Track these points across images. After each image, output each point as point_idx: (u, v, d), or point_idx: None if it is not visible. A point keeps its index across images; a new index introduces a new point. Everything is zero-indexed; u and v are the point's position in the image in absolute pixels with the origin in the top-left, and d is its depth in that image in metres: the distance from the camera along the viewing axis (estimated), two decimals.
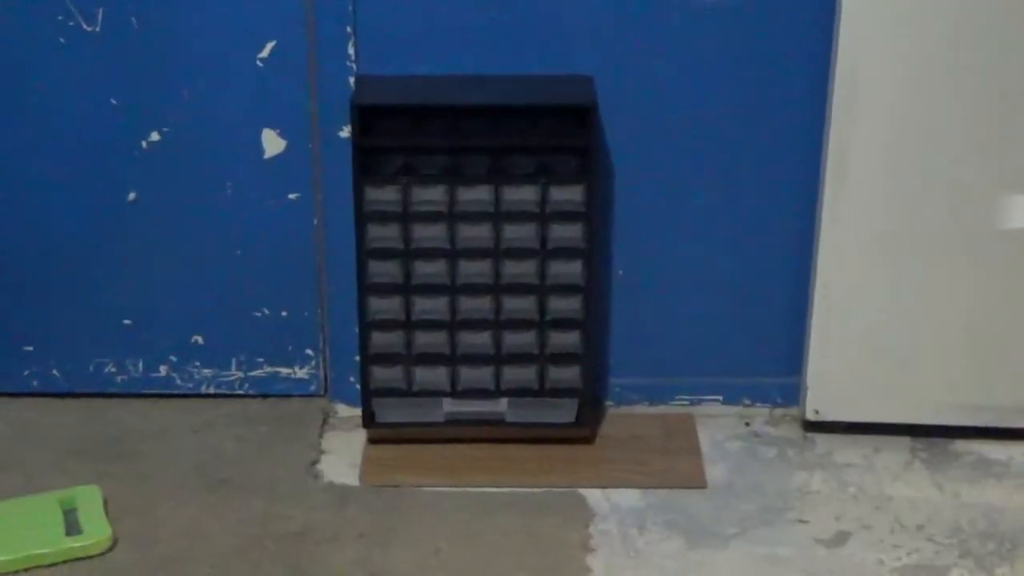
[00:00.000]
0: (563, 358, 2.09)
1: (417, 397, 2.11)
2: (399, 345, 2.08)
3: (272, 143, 2.11)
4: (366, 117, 1.99)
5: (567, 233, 2.03)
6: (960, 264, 2.07)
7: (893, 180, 2.04)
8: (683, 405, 2.23)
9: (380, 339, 2.08)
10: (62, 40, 2.05)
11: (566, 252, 2.04)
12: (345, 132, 2.06)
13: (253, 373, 2.23)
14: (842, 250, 2.08)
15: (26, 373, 2.23)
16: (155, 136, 2.10)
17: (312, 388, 2.24)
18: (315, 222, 2.15)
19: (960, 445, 2.15)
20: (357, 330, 2.09)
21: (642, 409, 2.23)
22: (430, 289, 2.06)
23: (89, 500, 1.97)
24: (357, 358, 2.12)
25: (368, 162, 2.01)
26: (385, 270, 2.05)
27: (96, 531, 1.92)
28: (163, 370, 2.23)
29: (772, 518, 2.00)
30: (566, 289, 2.06)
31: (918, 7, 1.96)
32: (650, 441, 2.16)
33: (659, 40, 2.04)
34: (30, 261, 2.17)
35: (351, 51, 2.04)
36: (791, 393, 2.21)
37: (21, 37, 2.05)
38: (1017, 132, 2.01)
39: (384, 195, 2.02)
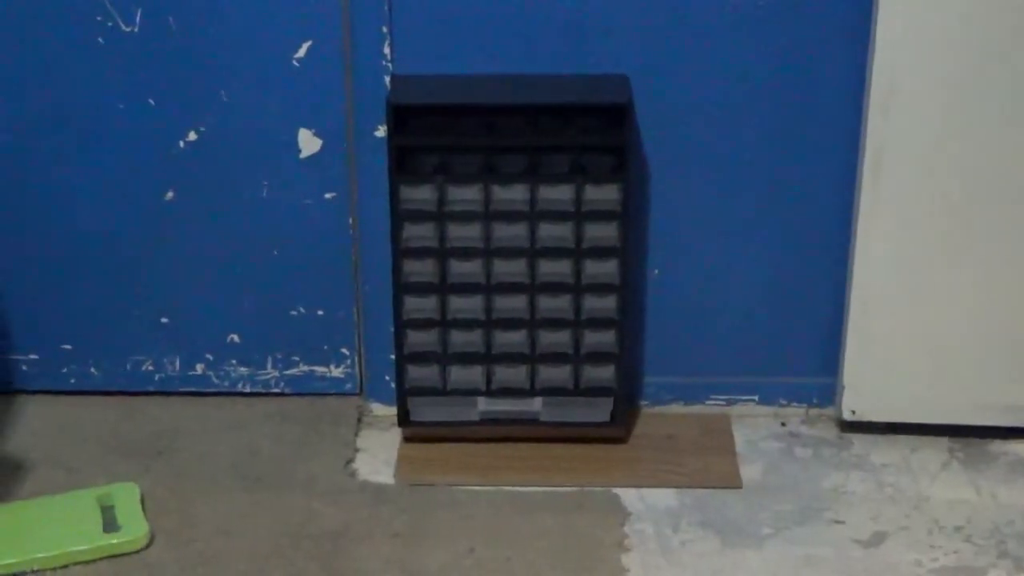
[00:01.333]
0: (598, 357, 2.09)
1: (452, 396, 2.11)
2: (434, 344, 2.09)
3: (308, 142, 2.12)
4: (402, 116, 2.00)
5: (602, 232, 2.03)
6: (997, 263, 2.06)
7: (929, 180, 2.03)
8: (718, 405, 2.23)
9: (415, 338, 2.09)
10: (100, 40, 2.06)
11: (601, 251, 2.04)
12: (381, 131, 2.07)
13: (289, 372, 2.24)
14: (879, 249, 2.07)
15: (64, 371, 2.24)
16: (192, 136, 2.11)
17: (347, 387, 2.25)
18: (351, 221, 2.16)
19: (997, 446, 2.14)
20: (392, 329, 2.10)
21: (677, 409, 2.23)
22: (465, 288, 2.06)
23: (126, 497, 1.99)
24: (392, 357, 2.13)
25: (404, 161, 2.02)
26: (420, 269, 2.05)
27: (133, 528, 1.93)
28: (200, 368, 2.24)
29: (808, 518, 1.99)
30: (601, 288, 2.06)
31: (954, 7, 1.95)
32: (685, 441, 2.16)
33: (695, 39, 2.04)
34: (68, 260, 2.19)
35: (387, 50, 2.05)
36: (827, 393, 2.20)
37: (60, 38, 2.06)
38: None
39: (420, 194, 2.02)
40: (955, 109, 2.00)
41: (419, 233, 2.04)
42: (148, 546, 1.92)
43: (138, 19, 2.06)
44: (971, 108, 1.99)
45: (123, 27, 2.06)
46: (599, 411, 2.11)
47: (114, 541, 1.91)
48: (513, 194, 2.02)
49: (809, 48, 2.04)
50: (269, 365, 2.24)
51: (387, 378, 2.20)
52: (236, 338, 2.22)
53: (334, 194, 2.14)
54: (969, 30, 1.96)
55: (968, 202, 2.04)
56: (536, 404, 2.12)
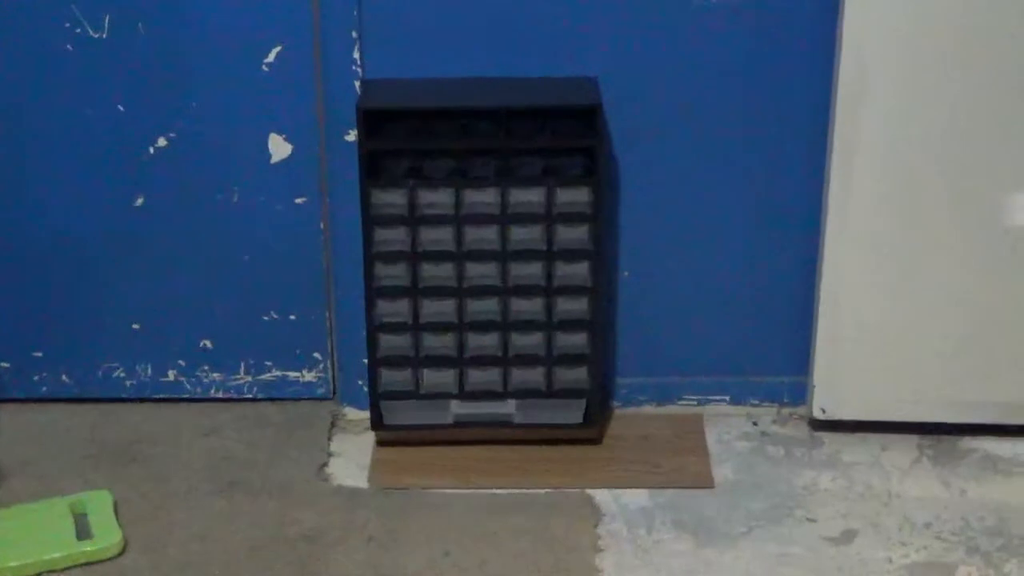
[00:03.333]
0: (571, 359, 2.09)
1: (425, 399, 2.11)
2: (407, 347, 2.09)
3: (279, 148, 2.12)
4: (372, 120, 2.00)
5: (574, 234, 2.04)
6: (965, 262, 2.07)
7: (898, 180, 2.05)
8: (690, 405, 2.24)
9: (388, 342, 2.09)
10: (70, 47, 2.06)
11: (573, 253, 2.05)
12: (351, 136, 2.07)
13: (261, 377, 2.24)
14: (848, 250, 2.08)
15: (36, 379, 2.24)
16: (162, 142, 2.11)
17: (320, 391, 2.25)
18: (322, 226, 2.16)
19: (967, 442, 2.16)
20: (365, 333, 2.10)
21: (650, 409, 2.24)
22: (437, 291, 2.06)
23: (100, 504, 1.98)
24: (365, 361, 2.13)
25: (375, 165, 2.02)
26: (392, 273, 2.06)
27: (107, 535, 1.93)
28: (172, 374, 2.23)
29: (780, 517, 2.00)
30: (573, 290, 2.06)
31: (921, 7, 1.97)
32: (658, 441, 2.17)
33: (664, 42, 2.05)
34: (39, 266, 2.18)
35: (356, 55, 2.05)
36: (798, 392, 2.21)
37: (29, 44, 2.06)
38: (1022, 131, 2.01)
39: (391, 198, 2.02)
40: (923, 107, 2.01)
41: (391, 237, 2.04)
42: (122, 553, 1.92)
43: (107, 25, 2.05)
44: (939, 106, 2.01)
45: (92, 33, 2.05)
46: (572, 413, 2.12)
47: (87, 549, 1.91)
48: (484, 197, 2.03)
49: (777, 50, 2.05)
50: (242, 370, 2.24)
51: (360, 382, 2.20)
52: (208, 344, 2.22)
53: (305, 199, 2.14)
54: (936, 29, 1.98)
55: (936, 203, 2.05)
56: (509, 406, 2.12)
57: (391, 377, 2.10)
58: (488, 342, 2.09)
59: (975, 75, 1.99)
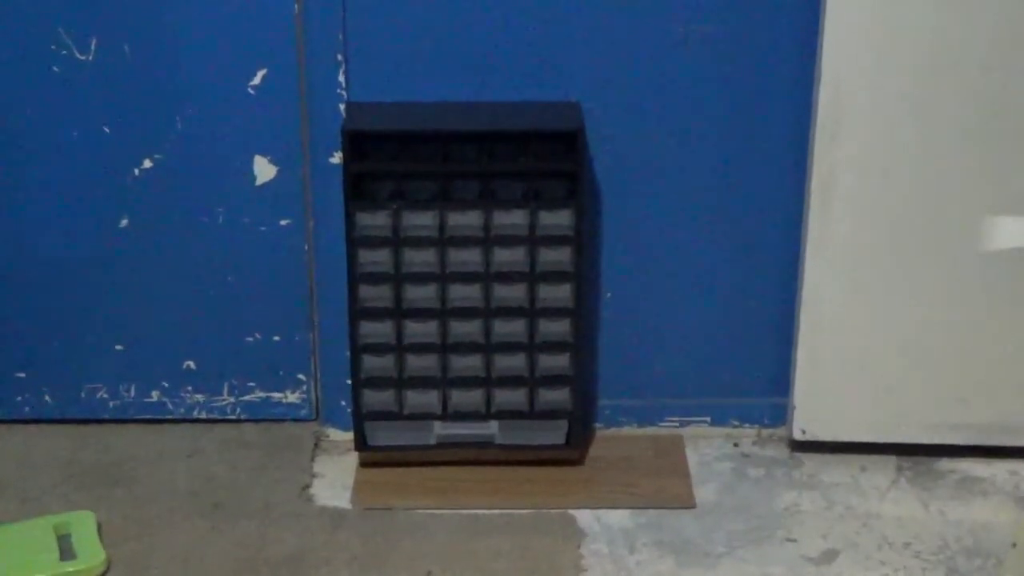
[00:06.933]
0: (553, 380, 2.11)
1: (408, 420, 2.12)
2: (390, 369, 2.10)
3: (264, 169, 2.13)
4: (357, 143, 2.01)
5: (556, 256, 2.05)
6: (944, 284, 2.10)
7: (877, 202, 2.07)
8: (672, 426, 2.25)
9: (371, 363, 2.10)
10: (56, 69, 2.07)
11: (555, 275, 2.06)
12: (336, 158, 2.08)
13: (245, 398, 2.24)
14: (828, 271, 2.10)
15: (19, 399, 2.24)
16: (147, 163, 2.12)
17: (303, 412, 2.26)
18: (306, 247, 2.17)
19: (945, 463, 2.18)
20: (348, 354, 2.11)
21: (631, 430, 2.25)
22: (421, 313, 2.08)
23: (83, 525, 1.98)
24: (348, 382, 2.14)
25: (359, 187, 2.03)
26: (376, 294, 2.07)
27: (90, 556, 1.93)
28: (155, 395, 2.24)
29: (761, 537, 2.02)
30: (556, 312, 2.08)
31: (900, 32, 1.99)
32: (639, 462, 2.18)
33: (645, 66, 2.07)
34: (22, 287, 2.18)
35: (342, 78, 2.07)
36: (778, 413, 2.23)
37: (14, 66, 2.07)
38: (1001, 154, 2.04)
39: (375, 220, 2.04)
40: (900, 134, 2.04)
41: (374, 259, 2.05)
42: (105, 574, 1.92)
43: (93, 47, 2.06)
44: (917, 132, 2.04)
45: (78, 55, 2.06)
46: (555, 433, 2.13)
47: (70, 569, 1.90)
48: (468, 219, 2.04)
49: (757, 75, 2.08)
50: (225, 391, 2.24)
51: (343, 403, 2.21)
52: (192, 365, 2.23)
53: (289, 221, 2.15)
54: (912, 60, 2.00)
55: (913, 228, 2.08)
56: (492, 427, 2.13)
57: (374, 398, 2.11)
58: (471, 363, 2.10)
59: (949, 106, 2.02)
